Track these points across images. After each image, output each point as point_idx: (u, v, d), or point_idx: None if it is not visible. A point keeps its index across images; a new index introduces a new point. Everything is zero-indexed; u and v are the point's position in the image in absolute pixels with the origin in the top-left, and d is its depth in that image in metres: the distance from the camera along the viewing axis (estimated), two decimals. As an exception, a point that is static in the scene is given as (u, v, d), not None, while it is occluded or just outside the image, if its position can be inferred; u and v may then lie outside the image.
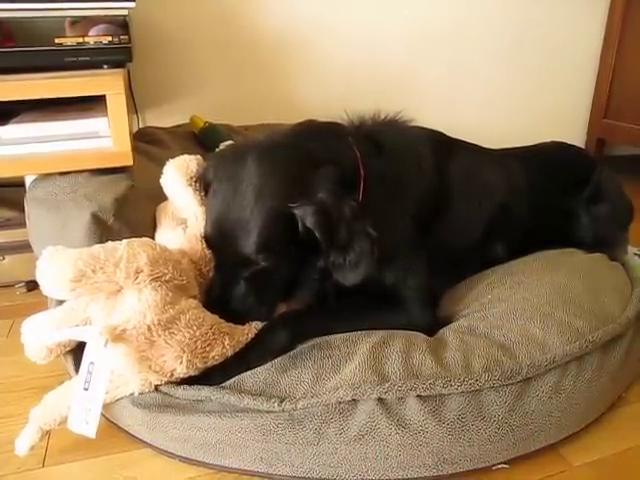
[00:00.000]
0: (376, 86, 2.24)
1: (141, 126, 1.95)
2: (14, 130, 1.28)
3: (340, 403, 0.89)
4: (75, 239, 1.12)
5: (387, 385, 0.89)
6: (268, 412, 0.90)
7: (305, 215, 0.96)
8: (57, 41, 1.37)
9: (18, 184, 1.46)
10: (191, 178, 1.13)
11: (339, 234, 0.97)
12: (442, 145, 1.32)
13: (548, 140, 1.63)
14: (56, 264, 0.89)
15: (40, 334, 1.00)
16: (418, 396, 0.90)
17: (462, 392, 0.91)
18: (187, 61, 2.04)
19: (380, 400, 0.89)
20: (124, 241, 0.95)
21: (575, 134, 2.68)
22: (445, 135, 1.37)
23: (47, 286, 0.90)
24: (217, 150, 1.17)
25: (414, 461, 0.90)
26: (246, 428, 0.89)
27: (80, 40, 1.39)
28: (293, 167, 1.02)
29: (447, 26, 2.35)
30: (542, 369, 0.96)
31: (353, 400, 0.90)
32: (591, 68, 2.66)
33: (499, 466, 0.96)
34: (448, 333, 1.06)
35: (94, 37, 1.40)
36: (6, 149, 1.27)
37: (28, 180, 1.33)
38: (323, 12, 2.16)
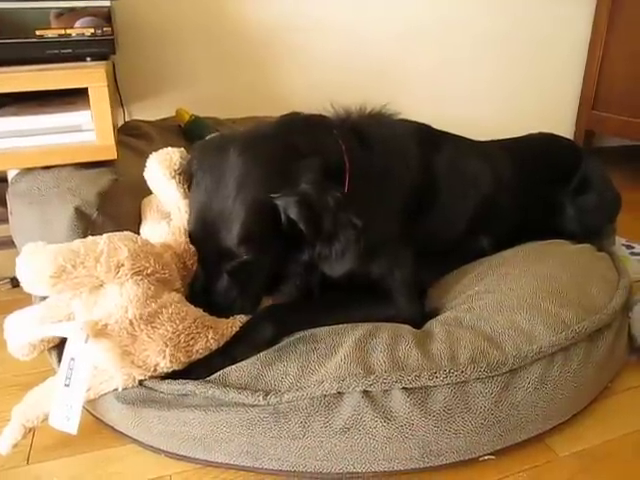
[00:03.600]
0: (364, 79, 2.23)
1: (127, 119, 1.93)
2: (-4, 124, 1.26)
3: (325, 396, 0.89)
4: (59, 234, 1.10)
5: (372, 377, 0.89)
6: (253, 406, 0.89)
7: (288, 206, 0.95)
8: (38, 33, 1.35)
9: (1, 179, 1.44)
10: (174, 171, 1.11)
11: (323, 225, 0.96)
12: (428, 138, 1.32)
13: (535, 132, 1.63)
14: (36, 261, 0.87)
15: (23, 330, 0.99)
16: (404, 388, 0.89)
17: (448, 384, 0.91)
18: (173, 54, 2.02)
19: (365, 393, 0.89)
20: (104, 235, 0.94)
21: (563, 126, 2.68)
22: (431, 128, 1.37)
23: (27, 283, 0.88)
24: (200, 142, 1.15)
25: (400, 453, 0.90)
26: (231, 422, 0.89)
27: (62, 32, 1.37)
28: (276, 158, 1.01)
29: (434, 18, 2.34)
30: (528, 360, 0.96)
31: (338, 393, 0.89)
32: (579, 60, 2.67)
33: (486, 457, 0.96)
34: (435, 325, 1.06)
35: (76, 29, 1.38)
36: (-12, 143, 1.25)
37: (10, 174, 1.31)
38: (310, 4, 2.14)
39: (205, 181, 1.01)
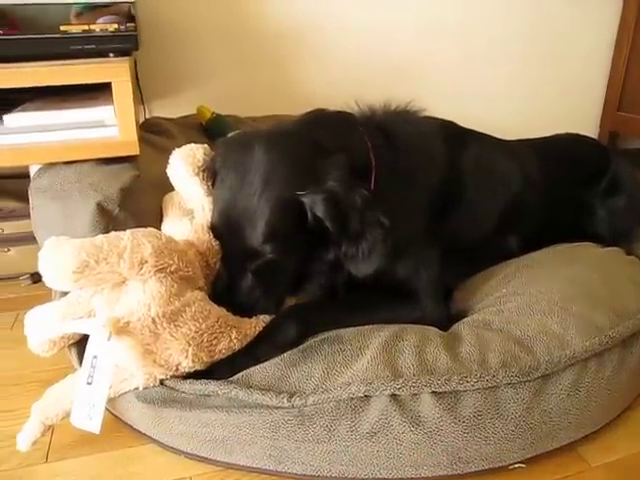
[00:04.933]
0: (384, 77, 2.20)
1: (147, 117, 1.92)
2: (19, 118, 1.25)
3: (352, 399, 0.86)
4: (80, 229, 1.09)
5: (401, 381, 0.86)
6: (277, 408, 0.87)
7: (314, 204, 0.93)
8: (62, 29, 1.34)
9: (23, 175, 1.44)
10: (198, 167, 1.09)
11: (350, 223, 0.94)
12: (454, 135, 1.29)
13: (559, 132, 1.59)
14: (59, 255, 0.86)
15: (43, 326, 0.98)
16: (433, 392, 0.86)
17: (478, 389, 0.88)
18: (194, 51, 2.01)
19: (393, 396, 0.86)
20: (128, 231, 0.92)
21: (587, 127, 2.61)
22: (457, 125, 1.34)
23: (50, 277, 0.87)
24: (224, 138, 1.13)
25: (428, 460, 0.87)
26: (254, 424, 0.86)
27: (86, 28, 1.36)
28: (302, 155, 0.99)
29: (454, 16, 2.30)
30: (561, 365, 0.93)
31: (365, 396, 0.86)
32: (603, 59, 2.60)
33: (516, 465, 0.93)
34: (462, 327, 1.03)
35: (100, 25, 1.38)
36: (11, 138, 1.24)
37: (33, 170, 1.30)
38: (332, 3, 2.12)
39: (229, 178, 0.99)
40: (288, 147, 1.00)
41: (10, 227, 1.58)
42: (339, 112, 1.16)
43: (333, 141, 1.03)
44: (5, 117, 1.24)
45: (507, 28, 2.39)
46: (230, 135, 1.16)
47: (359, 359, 0.91)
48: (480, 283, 1.22)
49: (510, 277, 1.21)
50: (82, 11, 1.38)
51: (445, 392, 0.87)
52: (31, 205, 1.21)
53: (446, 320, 1.09)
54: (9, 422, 1.02)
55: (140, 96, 1.92)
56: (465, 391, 0.87)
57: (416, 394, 0.87)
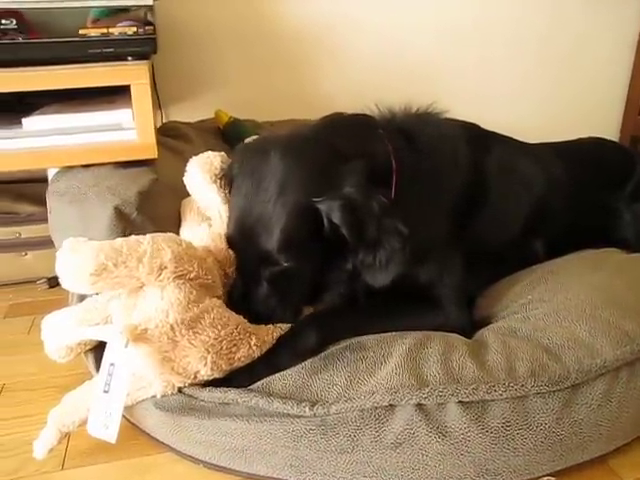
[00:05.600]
0: (402, 80, 2.17)
1: (164, 121, 1.92)
2: (37, 122, 1.24)
3: (376, 408, 0.84)
4: (97, 233, 1.08)
5: (427, 390, 0.83)
6: (299, 417, 0.84)
7: (331, 210, 0.91)
8: (81, 32, 1.34)
9: (41, 179, 1.44)
10: (215, 175, 1.08)
11: (368, 231, 0.92)
12: (477, 137, 1.27)
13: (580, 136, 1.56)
14: (77, 256, 0.84)
15: (60, 332, 0.96)
16: (460, 402, 0.84)
17: (506, 398, 0.85)
18: (211, 55, 2.00)
19: (419, 406, 0.83)
20: (148, 235, 0.91)
21: (607, 131, 2.56)
22: (480, 127, 1.32)
23: (67, 279, 0.85)
24: (241, 144, 1.12)
25: (454, 471, 0.84)
26: (275, 433, 0.84)
27: (104, 31, 1.36)
28: (319, 161, 0.97)
29: (473, 16, 2.26)
30: (592, 374, 0.89)
31: (390, 405, 0.84)
32: (625, 62, 2.55)
33: (545, 478, 0.89)
34: (488, 335, 1.00)
35: (119, 28, 1.37)
36: (29, 141, 1.24)
37: (50, 173, 1.30)
38: (349, 5, 2.10)
39: (245, 185, 0.98)
40: (304, 152, 0.99)
41: (27, 231, 1.57)
42: (358, 115, 1.14)
43: (351, 146, 1.01)
44: (24, 120, 1.24)
45: (525, 30, 2.35)
46: (247, 141, 1.15)
47: (383, 367, 0.89)
48: (504, 289, 1.18)
49: (535, 283, 1.17)
50: (99, 17, 1.38)
51: (472, 402, 0.84)
52: (49, 208, 1.20)
53: (470, 327, 1.06)
54: (25, 428, 1.01)
55: (157, 100, 1.91)
56: (493, 401, 0.85)
57: (442, 404, 0.84)
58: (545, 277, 1.19)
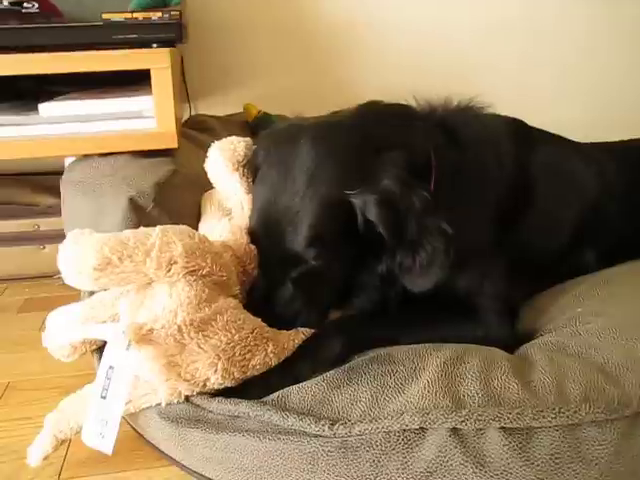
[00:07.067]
0: (440, 81, 2.06)
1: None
2: (53, 107, 1.19)
3: (404, 431, 0.73)
4: (110, 226, 1.02)
5: (464, 412, 0.72)
6: (316, 436, 0.74)
7: (366, 205, 0.83)
8: (105, 17, 1.28)
9: (62, 171, 1.39)
10: (238, 162, 1.00)
11: (407, 230, 0.83)
12: (524, 135, 1.17)
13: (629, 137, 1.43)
14: (79, 250, 0.77)
15: (63, 329, 0.89)
16: (502, 428, 0.72)
17: (556, 426, 0.73)
18: (243, 49, 1.95)
19: (454, 430, 0.72)
20: (158, 227, 0.82)
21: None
22: (525, 124, 1.22)
23: (69, 274, 0.79)
24: (267, 130, 1.04)
25: (493, 507, 0.73)
26: (289, 454, 0.74)
27: (129, 16, 1.30)
28: (354, 150, 0.89)
29: (520, 15, 2.15)
30: (656, 402, 0.77)
31: (421, 428, 0.73)
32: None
33: (597, 519, 0.78)
34: (533, 351, 0.89)
35: (143, 13, 1.31)
36: (44, 128, 1.19)
37: (67, 163, 1.24)
38: (387, 3, 2.02)
39: (271, 174, 0.90)
40: (338, 141, 0.90)
41: (46, 224, 1.53)
42: (397, 104, 1.05)
43: (390, 136, 0.92)
44: (40, 106, 1.18)
45: (572, 27, 2.23)
46: (274, 126, 1.07)
47: (414, 383, 0.78)
48: (550, 300, 1.07)
49: (585, 295, 1.06)
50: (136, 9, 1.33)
51: (516, 428, 0.73)
52: (62, 198, 1.14)
53: (513, 341, 0.95)
54: (24, 431, 0.95)
55: (186, 93, 1.86)
56: (540, 428, 0.73)
57: (481, 429, 0.72)
58: (596, 288, 1.07)
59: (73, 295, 1.20)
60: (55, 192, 1.52)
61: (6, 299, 1.50)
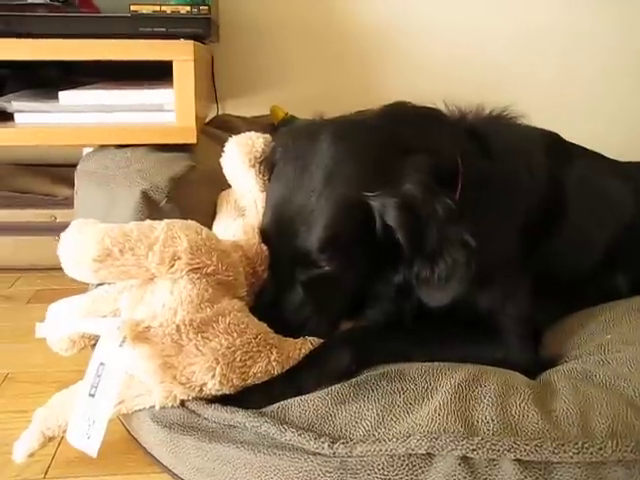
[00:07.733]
0: (473, 86, 2.00)
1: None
2: (74, 96, 1.18)
3: (410, 456, 0.67)
4: (121, 217, 0.99)
5: (477, 440, 0.66)
6: (314, 454, 0.69)
7: (385, 208, 0.78)
8: (133, 8, 1.26)
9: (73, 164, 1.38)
10: (255, 158, 0.96)
11: (427, 238, 0.78)
12: (558, 148, 1.12)
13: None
14: (80, 239, 0.75)
15: (62, 322, 0.86)
16: (517, 460, 0.66)
17: (578, 462, 0.66)
18: (273, 50, 1.92)
19: (464, 459, 0.67)
20: (164, 221, 0.79)
21: None
22: (560, 137, 1.16)
23: (68, 264, 0.76)
24: (286, 127, 1.00)
25: None
26: (284, 471, 0.69)
27: (157, 9, 1.28)
28: (376, 150, 0.85)
29: (557, 25, 2.07)
30: (692, 442, 0.70)
31: (428, 454, 0.67)
32: None
33: None
34: (556, 377, 0.82)
35: (172, 6, 1.28)
36: (63, 116, 1.17)
37: (84, 153, 1.22)
38: (421, 7, 1.97)
39: (287, 171, 0.86)
40: (360, 139, 0.86)
41: (63, 215, 1.51)
42: (425, 107, 1.00)
43: (415, 138, 0.88)
44: (60, 94, 1.16)
45: (618, 43, 2.12)
46: (294, 123, 1.03)
47: (424, 404, 0.72)
48: (577, 325, 1.01)
49: (616, 321, 0.99)
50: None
51: (533, 461, 0.67)
52: (75, 189, 1.12)
53: (535, 366, 0.89)
54: (16, 425, 0.89)
55: (214, 94, 1.85)
56: (559, 463, 0.67)
57: (494, 460, 0.66)
58: (628, 315, 1.01)
59: (84, 288, 1.18)
60: (72, 184, 1.52)
61: (17, 289, 1.48)
